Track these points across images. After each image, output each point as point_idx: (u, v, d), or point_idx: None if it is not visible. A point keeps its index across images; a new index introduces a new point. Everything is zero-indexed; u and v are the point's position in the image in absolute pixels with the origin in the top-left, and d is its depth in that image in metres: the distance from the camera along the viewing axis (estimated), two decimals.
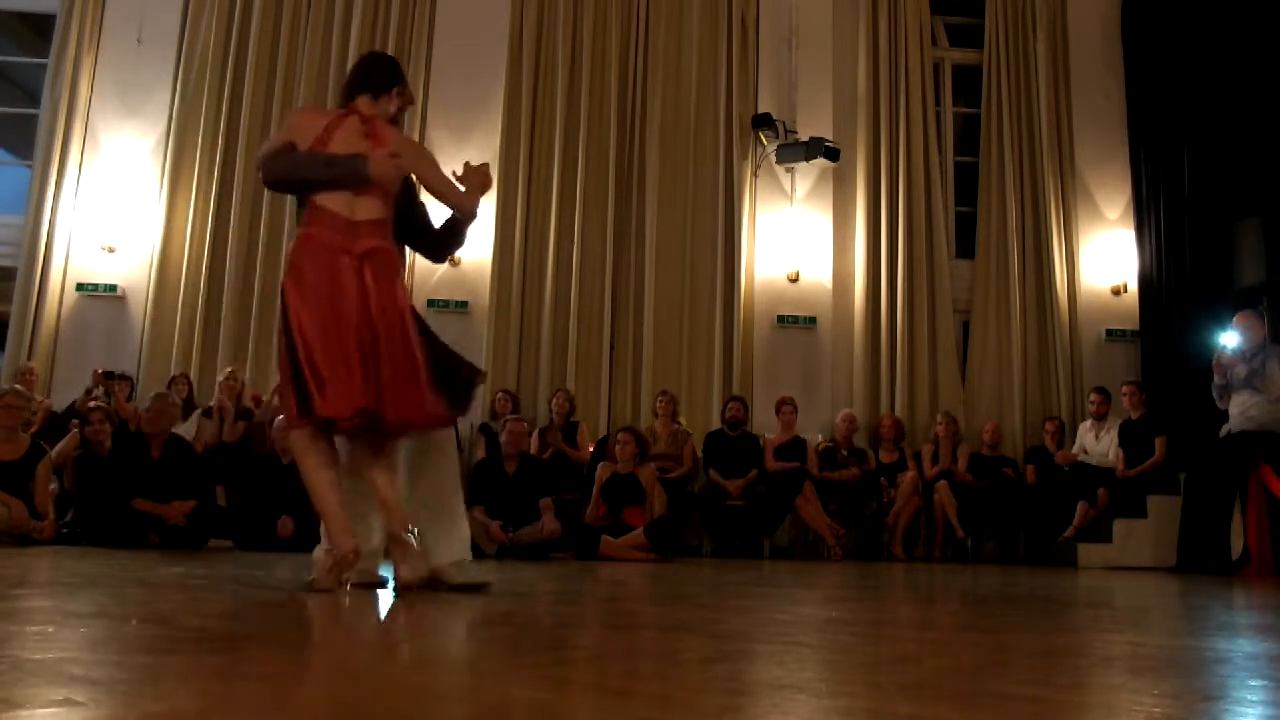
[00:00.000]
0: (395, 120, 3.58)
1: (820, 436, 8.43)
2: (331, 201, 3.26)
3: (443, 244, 3.78)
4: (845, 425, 8.31)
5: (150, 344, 8.60)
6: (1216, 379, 6.81)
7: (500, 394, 8.22)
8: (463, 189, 3.52)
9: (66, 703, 1.25)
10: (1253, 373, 6.66)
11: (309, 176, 3.30)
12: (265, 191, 8.81)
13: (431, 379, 3.22)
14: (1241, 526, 6.60)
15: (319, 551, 3.30)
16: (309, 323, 3.11)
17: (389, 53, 8.95)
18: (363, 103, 3.44)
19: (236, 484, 7.01)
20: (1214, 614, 3.58)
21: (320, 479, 3.14)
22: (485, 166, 3.66)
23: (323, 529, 3.26)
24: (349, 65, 8.96)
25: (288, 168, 3.34)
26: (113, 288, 8.72)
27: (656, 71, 9.16)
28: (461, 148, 9.00)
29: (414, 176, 3.53)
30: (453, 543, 3.43)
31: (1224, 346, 6.86)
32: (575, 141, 8.97)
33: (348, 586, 3.14)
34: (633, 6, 9.26)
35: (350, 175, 3.25)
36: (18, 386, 6.69)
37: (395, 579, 3.19)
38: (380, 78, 3.49)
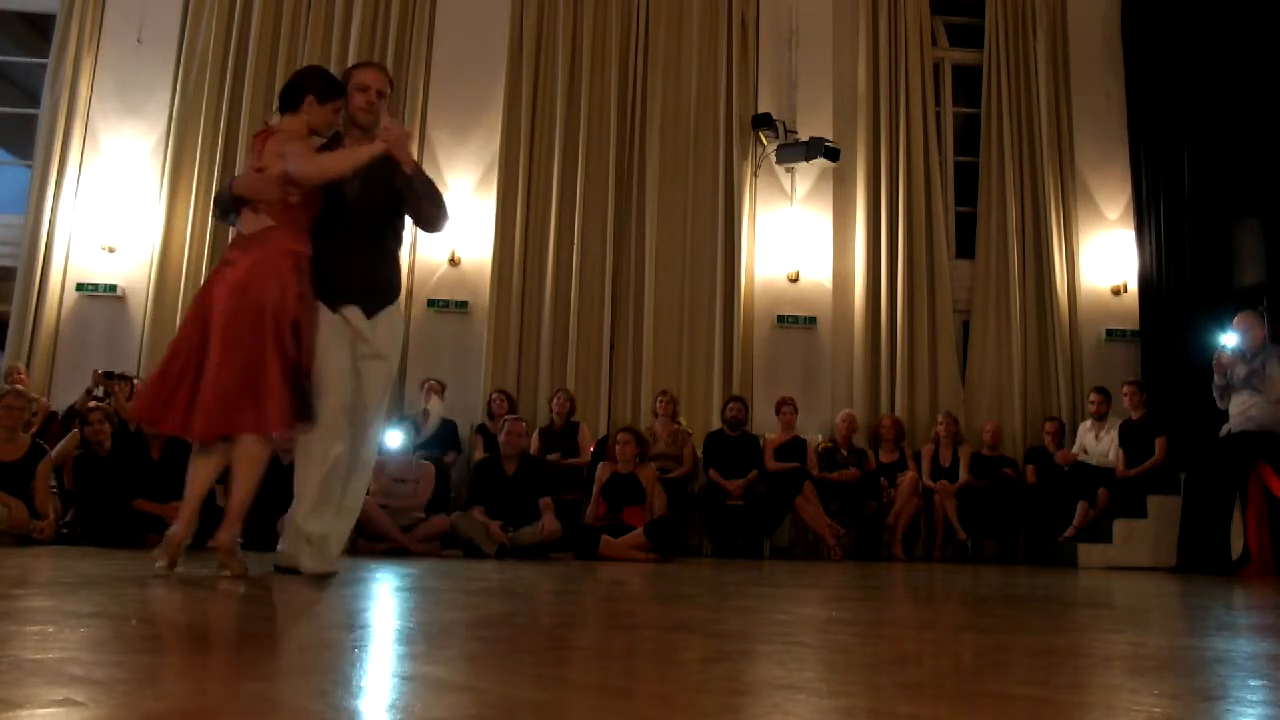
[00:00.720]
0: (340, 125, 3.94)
1: (820, 436, 8.43)
2: (240, 221, 3.75)
3: (415, 213, 3.97)
4: (845, 425, 8.31)
5: (150, 344, 8.60)
6: (1217, 379, 6.81)
7: (495, 394, 8.22)
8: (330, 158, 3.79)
9: (66, 703, 1.25)
10: (1252, 373, 6.67)
11: (221, 211, 3.88)
12: None
13: (261, 388, 3.53)
14: (1241, 526, 6.60)
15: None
16: (175, 338, 3.74)
17: (389, 53, 9.06)
18: (273, 120, 3.85)
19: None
20: (1214, 614, 3.58)
21: (190, 468, 3.81)
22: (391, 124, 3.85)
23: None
24: (349, 65, 9.02)
25: (217, 205, 3.95)
26: (113, 288, 8.72)
27: (656, 71, 9.16)
28: (461, 148, 9.01)
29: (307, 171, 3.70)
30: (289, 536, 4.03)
31: (1224, 346, 6.86)
32: (575, 142, 8.97)
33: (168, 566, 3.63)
34: (633, 6, 9.26)
35: (228, 200, 3.73)
36: (19, 387, 6.69)
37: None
38: (287, 94, 3.81)
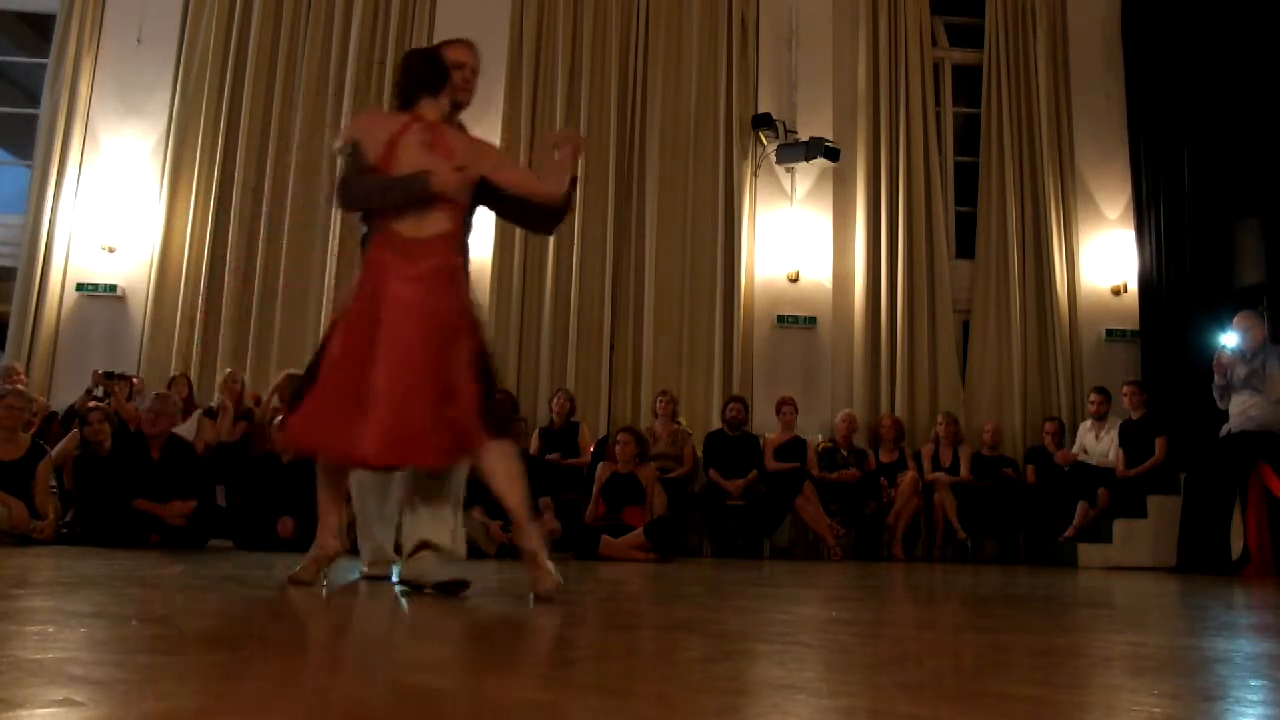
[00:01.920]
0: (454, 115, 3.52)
1: (820, 436, 8.42)
2: (396, 220, 3.22)
3: (537, 219, 3.67)
4: (845, 425, 8.31)
5: (150, 344, 8.60)
6: (1217, 379, 6.81)
7: (499, 393, 8.20)
8: (541, 177, 3.45)
9: (66, 703, 1.25)
10: (1253, 373, 6.67)
11: (380, 204, 3.26)
12: (265, 191, 8.84)
13: (458, 413, 3.12)
14: (1241, 526, 6.60)
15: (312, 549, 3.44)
16: (335, 349, 3.17)
17: (389, 53, 9.06)
18: (426, 107, 3.34)
19: (236, 484, 7.01)
20: (1214, 614, 3.58)
21: (319, 483, 3.36)
22: (570, 133, 3.60)
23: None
24: (349, 65, 9.06)
25: (360, 198, 3.34)
26: (113, 288, 8.72)
27: (656, 71, 9.16)
28: None
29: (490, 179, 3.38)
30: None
31: (1224, 346, 6.86)
32: None
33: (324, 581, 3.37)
34: (633, 6, 9.25)
35: (416, 195, 3.20)
36: (19, 387, 6.69)
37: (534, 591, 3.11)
38: (435, 76, 3.39)
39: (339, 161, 3.64)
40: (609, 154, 8.97)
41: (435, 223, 3.23)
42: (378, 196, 3.26)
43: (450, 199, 3.25)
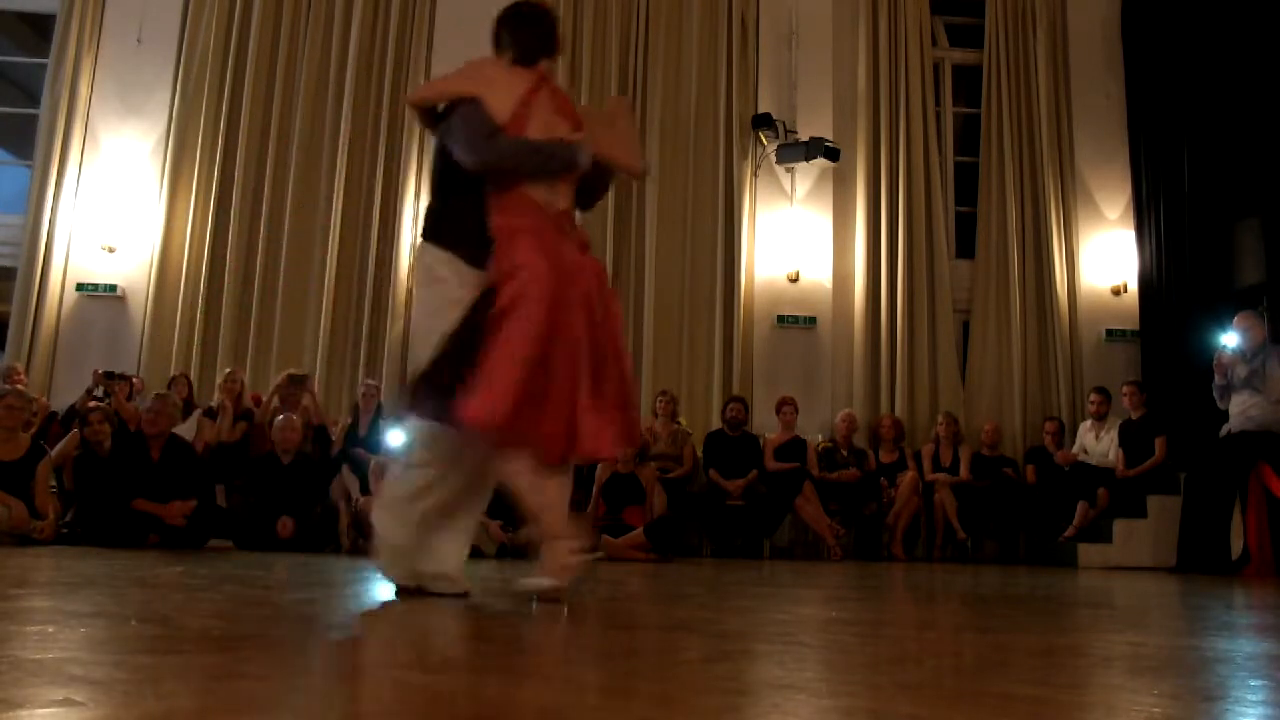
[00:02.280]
0: None
1: (820, 436, 8.42)
2: (536, 190, 2.91)
3: (591, 194, 3.32)
4: (845, 425, 8.31)
5: (150, 344, 8.61)
6: (1217, 379, 6.81)
7: None
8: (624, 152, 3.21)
9: (66, 703, 1.25)
10: (1253, 373, 6.67)
11: (525, 169, 2.94)
12: (265, 191, 8.83)
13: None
14: (1241, 526, 6.60)
15: (546, 556, 2.86)
16: (536, 326, 2.71)
17: (389, 53, 9.06)
18: (547, 69, 3.08)
19: (236, 484, 7.01)
20: (1214, 614, 3.58)
21: (534, 477, 2.81)
22: (624, 103, 3.34)
23: (538, 529, 2.89)
24: (349, 65, 9.06)
25: (507, 156, 2.95)
26: (113, 288, 8.72)
27: (656, 71, 9.16)
28: None
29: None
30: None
31: (1224, 346, 6.86)
32: None
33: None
34: (633, 6, 9.25)
35: (566, 167, 2.93)
36: (19, 387, 6.69)
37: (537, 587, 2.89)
38: (553, 38, 3.13)
39: (444, 112, 3.10)
40: None
41: (565, 196, 2.99)
42: (527, 160, 2.94)
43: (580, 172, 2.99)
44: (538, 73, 3.06)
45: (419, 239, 3.13)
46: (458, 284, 2.94)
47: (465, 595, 3.01)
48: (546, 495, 2.82)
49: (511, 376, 2.67)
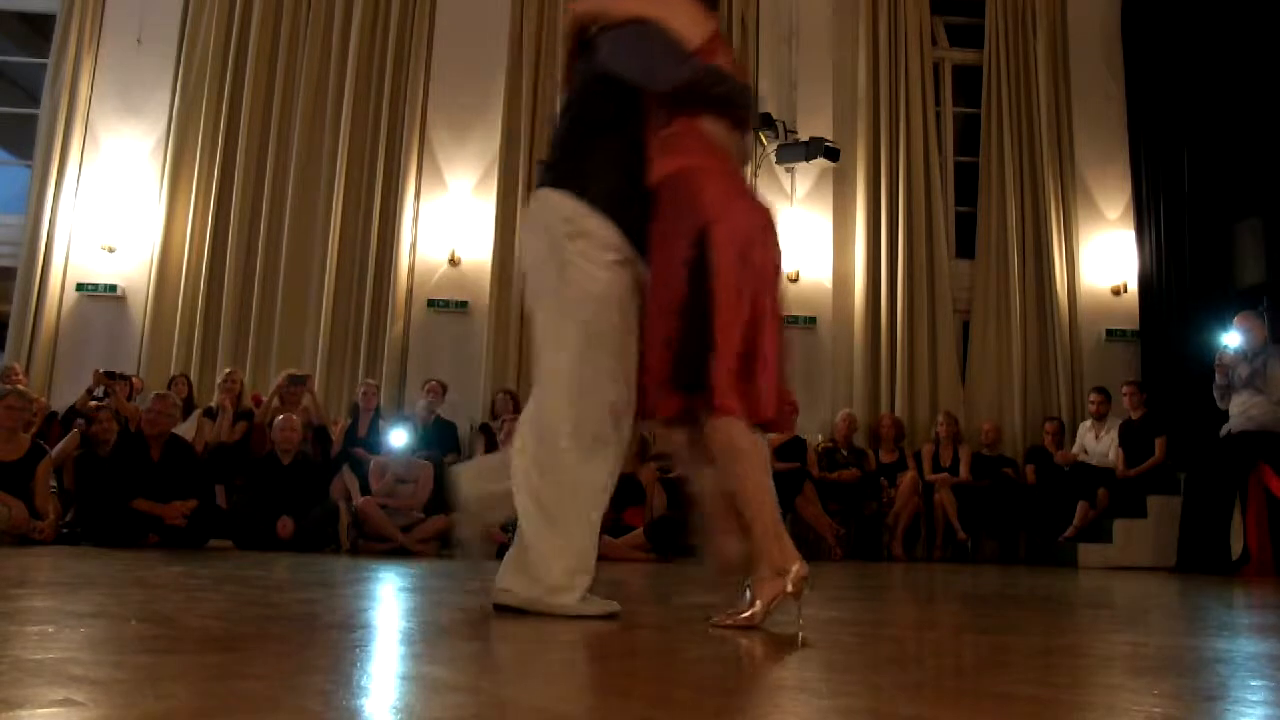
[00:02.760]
0: None
1: (820, 436, 8.43)
2: (718, 130, 2.54)
3: None
4: (845, 425, 8.31)
5: (150, 344, 8.61)
6: (1218, 379, 6.81)
7: (501, 393, 8.21)
8: None
9: (66, 703, 1.25)
10: (1255, 373, 6.67)
11: (717, 101, 2.54)
12: (265, 190, 8.84)
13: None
14: (1241, 526, 6.60)
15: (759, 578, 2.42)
16: (749, 292, 2.37)
17: (389, 53, 9.06)
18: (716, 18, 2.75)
19: (236, 484, 7.01)
20: (1214, 614, 3.58)
21: (764, 485, 2.42)
22: None
23: (753, 547, 2.44)
24: (349, 65, 9.05)
25: (697, 79, 2.52)
26: (113, 288, 8.73)
27: None
28: (461, 148, 9.01)
29: None
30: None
31: (1226, 347, 6.86)
32: None
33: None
34: None
35: (746, 115, 2.62)
36: (19, 387, 6.69)
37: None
38: None
39: (626, 30, 2.62)
40: None
41: (736, 150, 2.68)
42: (725, 90, 2.54)
43: None
44: (716, 21, 2.72)
45: (542, 187, 2.63)
46: (603, 242, 2.51)
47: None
48: (772, 507, 2.42)
49: (772, 357, 2.37)
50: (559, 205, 2.55)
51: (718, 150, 2.52)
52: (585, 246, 2.50)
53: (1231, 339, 6.86)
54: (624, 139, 2.55)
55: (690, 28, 2.56)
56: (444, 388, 8.07)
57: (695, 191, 2.43)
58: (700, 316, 2.36)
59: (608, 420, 2.56)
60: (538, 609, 2.50)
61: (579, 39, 2.73)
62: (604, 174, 2.54)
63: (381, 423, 7.66)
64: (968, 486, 8.08)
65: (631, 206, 2.52)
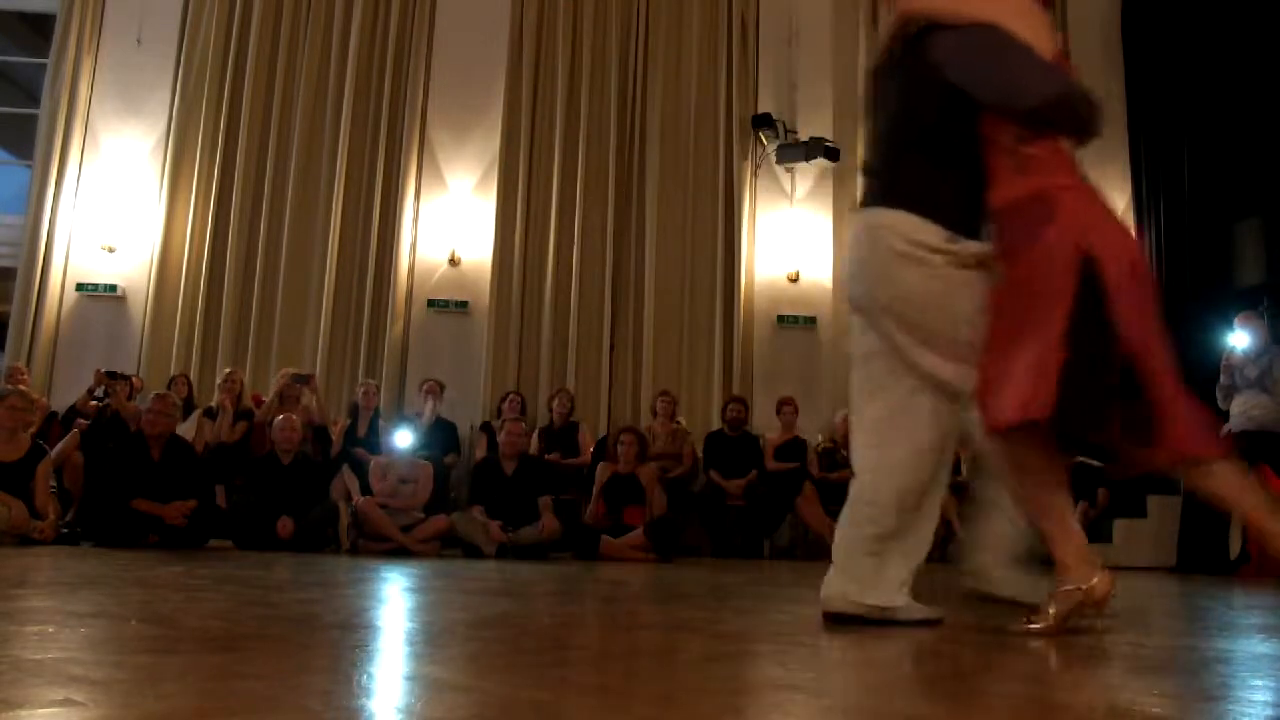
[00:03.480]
0: None
1: (820, 436, 8.42)
2: (1068, 148, 2.39)
3: None
4: (845, 425, 8.30)
5: (150, 344, 8.61)
6: (1223, 379, 6.81)
7: (512, 394, 8.19)
8: None
9: (66, 703, 1.25)
10: (1262, 374, 6.67)
11: (1077, 120, 2.39)
12: (265, 190, 8.83)
13: None
14: (1241, 526, 6.60)
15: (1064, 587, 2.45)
16: (1136, 317, 2.28)
17: (389, 53, 9.06)
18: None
19: (236, 484, 7.01)
20: (1214, 614, 3.58)
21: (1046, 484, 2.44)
22: None
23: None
24: (349, 65, 9.04)
25: (1065, 95, 2.38)
26: (113, 288, 8.73)
27: (656, 71, 9.16)
28: (462, 148, 9.01)
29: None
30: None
31: (1234, 348, 6.86)
32: (575, 142, 8.97)
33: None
34: (633, 6, 9.26)
35: (1095, 132, 2.40)
36: (21, 388, 6.69)
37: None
38: None
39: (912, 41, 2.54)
40: (609, 154, 8.97)
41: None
42: (1087, 108, 2.39)
43: None
44: (1053, 22, 2.50)
45: (872, 204, 2.57)
46: (945, 261, 2.47)
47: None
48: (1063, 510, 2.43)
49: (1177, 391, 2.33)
50: (898, 224, 2.50)
51: (1077, 170, 2.40)
52: (930, 268, 2.50)
53: (1239, 340, 6.86)
54: (962, 154, 2.46)
55: (1038, 34, 2.43)
56: (441, 387, 8.07)
57: (1069, 211, 2.32)
58: (1098, 343, 2.28)
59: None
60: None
61: (902, 39, 2.63)
62: (949, 193, 2.48)
63: (381, 423, 7.65)
64: (968, 486, 8.07)
65: (975, 221, 2.49)
